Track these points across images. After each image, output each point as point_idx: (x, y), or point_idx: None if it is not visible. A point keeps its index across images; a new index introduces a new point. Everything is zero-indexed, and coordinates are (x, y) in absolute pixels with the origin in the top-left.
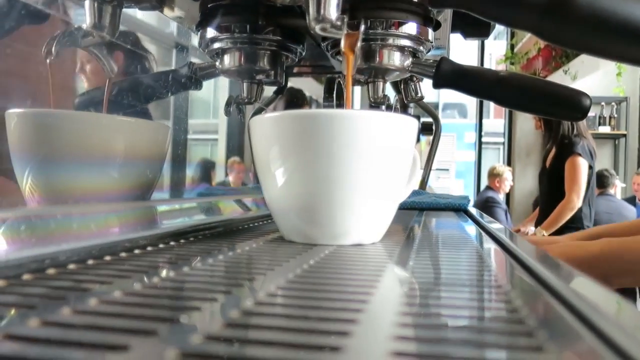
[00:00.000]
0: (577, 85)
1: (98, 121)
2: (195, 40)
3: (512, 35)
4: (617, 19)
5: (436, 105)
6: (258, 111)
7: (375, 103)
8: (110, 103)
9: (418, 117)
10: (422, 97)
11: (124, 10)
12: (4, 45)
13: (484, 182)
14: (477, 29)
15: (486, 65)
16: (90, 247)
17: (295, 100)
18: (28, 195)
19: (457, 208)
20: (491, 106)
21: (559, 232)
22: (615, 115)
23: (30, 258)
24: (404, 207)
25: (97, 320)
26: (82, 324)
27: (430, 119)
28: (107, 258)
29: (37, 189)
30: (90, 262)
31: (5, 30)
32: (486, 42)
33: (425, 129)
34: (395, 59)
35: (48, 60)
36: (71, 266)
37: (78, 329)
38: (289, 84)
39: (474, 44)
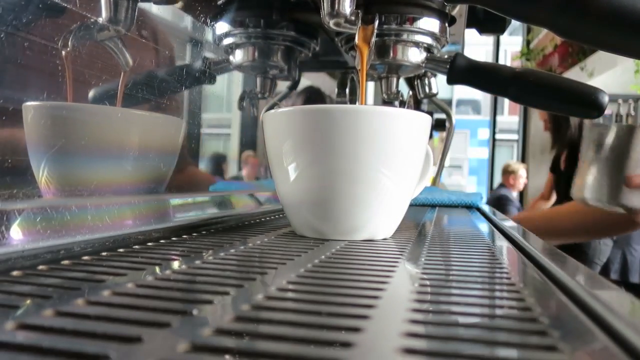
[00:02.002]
0: (594, 82)
1: (113, 114)
2: (209, 34)
3: (528, 31)
4: (636, 13)
5: (450, 102)
6: (272, 106)
7: (389, 99)
8: (125, 96)
9: (431, 113)
10: (435, 93)
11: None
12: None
13: (497, 179)
14: (492, 25)
15: (501, 62)
16: (104, 239)
17: (314, 98)
18: (44, 187)
19: (470, 205)
20: (505, 103)
21: None
22: (633, 113)
23: (46, 249)
24: (416, 204)
25: (110, 311)
26: (95, 314)
27: (443, 115)
28: (121, 250)
29: (53, 181)
30: (104, 253)
31: (23, 22)
32: (502, 38)
33: (438, 125)
34: (409, 55)
35: (64, 53)
36: (85, 257)
37: (92, 319)
38: (308, 82)
39: (489, 40)
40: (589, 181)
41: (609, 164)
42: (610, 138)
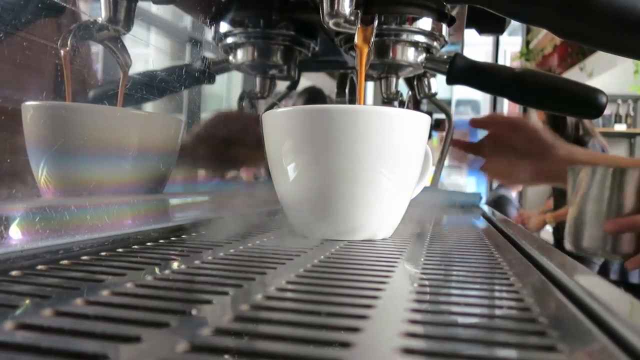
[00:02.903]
0: (593, 82)
1: (113, 114)
2: (209, 34)
3: (528, 32)
4: (636, 13)
5: (449, 102)
6: (271, 106)
7: (388, 99)
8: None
9: (430, 114)
10: (435, 93)
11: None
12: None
13: None
14: (491, 25)
15: (501, 62)
16: (104, 239)
17: (315, 99)
18: (43, 186)
19: (469, 205)
20: (505, 103)
21: None
22: (632, 114)
23: (45, 249)
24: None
25: (109, 311)
26: (94, 314)
27: (442, 115)
28: (120, 250)
29: (52, 181)
30: (103, 253)
31: (22, 22)
32: (501, 38)
33: (437, 126)
34: (408, 55)
35: (63, 53)
36: (84, 257)
37: (90, 319)
38: (308, 82)
39: (488, 40)
40: (584, 230)
41: (600, 210)
42: (595, 183)
